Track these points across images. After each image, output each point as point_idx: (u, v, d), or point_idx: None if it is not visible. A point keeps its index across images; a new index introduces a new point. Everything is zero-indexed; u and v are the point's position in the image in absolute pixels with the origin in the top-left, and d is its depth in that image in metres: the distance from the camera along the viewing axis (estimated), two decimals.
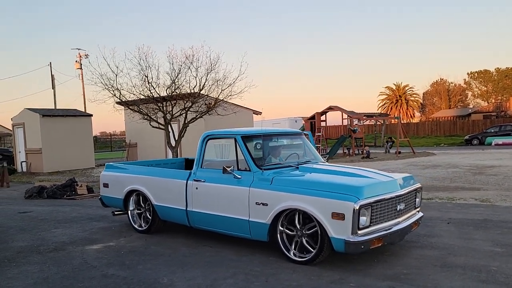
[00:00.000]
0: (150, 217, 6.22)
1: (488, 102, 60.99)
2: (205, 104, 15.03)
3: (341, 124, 23.70)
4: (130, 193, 6.45)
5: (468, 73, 66.13)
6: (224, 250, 5.20)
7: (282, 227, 4.79)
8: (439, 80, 66.36)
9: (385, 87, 63.23)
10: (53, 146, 18.41)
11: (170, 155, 21.15)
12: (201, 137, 5.75)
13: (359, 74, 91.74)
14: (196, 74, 14.41)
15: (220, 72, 15.55)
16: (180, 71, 14.52)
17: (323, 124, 22.96)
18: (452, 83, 66.41)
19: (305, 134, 6.33)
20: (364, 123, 27.23)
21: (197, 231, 6.00)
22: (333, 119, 27.29)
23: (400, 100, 60.82)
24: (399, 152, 20.37)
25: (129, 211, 6.52)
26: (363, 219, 4.24)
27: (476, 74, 65.34)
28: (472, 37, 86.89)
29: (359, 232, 4.22)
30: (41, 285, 4.25)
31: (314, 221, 4.47)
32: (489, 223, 5.99)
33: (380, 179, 4.74)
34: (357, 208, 4.15)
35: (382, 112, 55.64)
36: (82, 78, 38.25)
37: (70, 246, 5.73)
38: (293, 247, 4.72)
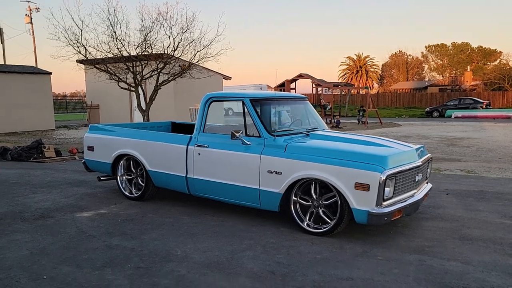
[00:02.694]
0: (143, 184, 5.81)
1: (443, 76, 63.09)
2: (179, 65, 14.34)
3: (310, 92, 23.61)
4: (119, 157, 5.98)
5: (425, 46, 67.81)
6: (229, 220, 4.94)
7: (296, 197, 4.56)
8: (398, 52, 67.66)
9: (346, 57, 63.87)
10: (8, 105, 17.10)
11: (137, 119, 20.37)
12: (203, 99, 5.33)
13: (323, 44, 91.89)
14: (170, 33, 13.64)
15: (195, 32, 14.79)
16: (152, 28, 13.68)
17: (292, 92, 22.75)
18: (410, 55, 67.96)
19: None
20: (333, 93, 27.30)
21: (194, 198, 5.69)
22: (303, 87, 27.19)
23: (360, 71, 61.71)
24: (366, 123, 20.65)
25: (118, 177, 6.07)
26: (388, 190, 4.09)
27: (433, 47, 67.05)
28: (432, 10, 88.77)
29: (383, 203, 4.08)
30: (40, 256, 3.82)
31: (333, 191, 4.27)
32: (487, 195, 6.07)
33: (400, 149, 4.58)
34: (384, 178, 3.98)
35: (341, 81, 56.23)
36: (33, 34, 35.70)
37: (58, 213, 5.25)
38: (307, 218, 4.52)
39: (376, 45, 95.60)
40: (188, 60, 14.28)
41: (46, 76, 18.98)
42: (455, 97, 35.87)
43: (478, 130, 17.65)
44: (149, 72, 14.18)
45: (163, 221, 4.95)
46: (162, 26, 13.55)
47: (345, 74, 62.49)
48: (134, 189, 5.97)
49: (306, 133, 5.08)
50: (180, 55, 14.03)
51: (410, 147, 4.77)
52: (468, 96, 34.88)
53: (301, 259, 3.75)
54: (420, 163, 4.61)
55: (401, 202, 4.31)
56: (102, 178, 6.35)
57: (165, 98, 18.09)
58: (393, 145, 4.72)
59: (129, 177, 6.02)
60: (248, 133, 4.90)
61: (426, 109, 30.75)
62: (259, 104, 5.01)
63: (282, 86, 22.42)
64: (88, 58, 14.02)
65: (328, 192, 4.37)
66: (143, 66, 13.94)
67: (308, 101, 5.87)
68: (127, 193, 5.99)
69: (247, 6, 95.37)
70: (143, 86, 14.11)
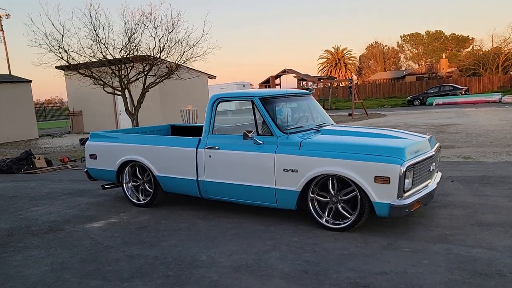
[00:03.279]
0: (151, 190, 5.71)
1: (419, 65, 64.06)
2: (166, 66, 14.16)
3: (296, 87, 23.63)
4: (124, 164, 5.86)
5: (400, 36, 68.70)
6: (245, 221, 4.89)
7: (313, 194, 4.54)
8: (374, 43, 68.38)
9: (325, 51, 64.27)
10: None
11: (122, 124, 20.06)
12: (210, 100, 5.26)
13: (301, 39, 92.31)
14: (155, 34, 13.46)
15: (181, 33, 14.59)
16: (135, 30, 13.47)
17: (278, 88, 22.75)
18: (386, 46, 68.76)
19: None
20: (318, 87, 27.46)
21: (205, 201, 5.62)
22: (287, 83, 27.19)
23: (339, 64, 62.20)
24: (352, 115, 20.81)
25: (124, 184, 5.94)
26: (407, 182, 4.11)
27: (408, 37, 67.97)
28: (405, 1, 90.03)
29: (404, 195, 4.10)
30: (61, 272, 3.71)
31: (352, 186, 4.27)
32: (490, 179, 6.18)
33: (414, 139, 4.61)
34: (404, 170, 4.00)
35: (321, 75, 56.61)
36: (5, 41, 34.77)
37: (67, 225, 5.11)
38: (326, 214, 4.51)
39: (353, 37, 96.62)
40: (175, 61, 14.12)
41: (26, 85, 18.50)
42: (433, 85, 36.51)
43: (461, 116, 17.99)
44: (135, 75, 13.98)
45: (178, 226, 4.87)
46: (146, 27, 13.38)
47: (324, 67, 62.89)
48: (142, 196, 5.86)
49: (317, 129, 5.07)
50: (167, 56, 13.87)
51: (422, 137, 4.80)
52: (446, 83, 35.54)
53: (329, 256, 3.74)
54: (434, 153, 4.65)
55: (419, 193, 4.34)
56: (106, 186, 6.21)
57: (151, 101, 17.85)
58: (406, 136, 4.74)
59: (136, 184, 5.91)
60: (259, 132, 4.86)
61: (408, 98, 31.22)
62: (268, 102, 4.97)
63: (267, 83, 22.39)
64: (71, 63, 13.73)
65: (347, 187, 4.37)
66: (129, 69, 13.72)
67: (312, 97, 5.86)
68: (134, 200, 5.87)
69: (226, 3, 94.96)
70: (129, 90, 13.88)
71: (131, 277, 3.53)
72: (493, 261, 3.45)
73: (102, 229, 4.93)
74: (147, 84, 13.98)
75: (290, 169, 4.56)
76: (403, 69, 64.12)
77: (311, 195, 4.55)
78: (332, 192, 4.44)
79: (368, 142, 4.43)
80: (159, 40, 13.47)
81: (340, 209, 4.41)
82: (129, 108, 13.83)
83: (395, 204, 4.03)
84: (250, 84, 36.22)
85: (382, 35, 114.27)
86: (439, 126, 14.57)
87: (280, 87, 23.61)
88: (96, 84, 14.03)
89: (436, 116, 18.97)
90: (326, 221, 4.50)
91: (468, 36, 62.33)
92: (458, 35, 63.71)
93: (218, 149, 5.04)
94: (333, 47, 63.05)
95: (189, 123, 12.90)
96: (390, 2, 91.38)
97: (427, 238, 4.05)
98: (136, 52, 13.60)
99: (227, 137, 5.13)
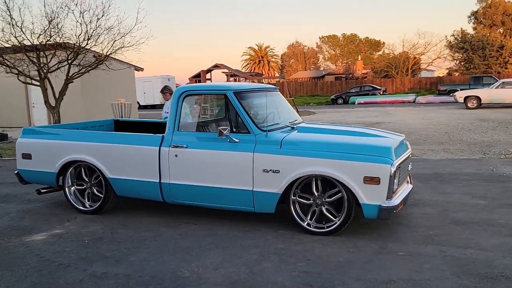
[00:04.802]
0: (100, 194, 4.99)
1: (336, 65, 67.07)
2: (94, 56, 12.95)
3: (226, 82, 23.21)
4: (67, 165, 5.06)
5: (319, 37, 71.46)
6: (217, 227, 4.43)
7: (295, 196, 4.23)
8: (295, 43, 70.27)
9: (248, 48, 64.58)
10: None
11: (37, 118, 18.13)
12: (175, 94, 4.71)
13: (224, 35, 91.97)
14: (82, 20, 12.21)
15: (111, 19, 13.47)
16: (58, 14, 12.13)
17: (208, 82, 22.18)
18: (306, 46, 71.02)
19: None
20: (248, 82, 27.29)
21: (163, 206, 5.04)
22: (215, 78, 26.63)
23: (262, 61, 62.86)
24: None
25: (66, 188, 5.14)
26: (395, 182, 3.96)
27: (326, 38, 70.88)
28: (324, 2, 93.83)
29: (393, 196, 3.95)
30: None
31: (338, 187, 4.03)
32: (444, 177, 6.35)
33: (396, 138, 4.49)
34: (394, 170, 3.84)
35: (246, 72, 56.80)
36: None
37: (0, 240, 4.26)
38: (308, 217, 4.22)
39: (275, 36, 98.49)
40: (102, 51, 12.96)
41: None
42: (351, 85, 38.32)
43: (386, 115, 18.90)
44: (56, 64, 12.60)
45: (141, 236, 4.28)
46: (71, 11, 12.09)
47: (248, 64, 63.15)
48: (89, 201, 5.11)
49: (291, 126, 4.76)
50: (94, 45, 12.68)
51: (400, 135, 4.72)
52: (362, 83, 37.48)
53: (326, 265, 3.45)
54: (410, 152, 4.59)
55: (402, 193, 4.23)
56: (42, 190, 5.34)
57: (71, 94, 16.20)
58: (385, 135, 4.62)
59: (81, 188, 5.14)
60: (233, 130, 4.43)
61: (332, 97, 32.34)
62: (243, 97, 4.56)
63: (197, 77, 21.72)
64: None
65: (331, 188, 4.11)
66: (50, 57, 12.32)
67: (279, 92, 5.54)
68: (80, 207, 5.10)
69: None
70: (48, 80, 12.47)
71: None
72: (491, 262, 3.39)
73: (47, 242, 4.17)
74: (70, 74, 12.67)
75: (270, 170, 4.20)
76: (321, 69, 66.65)
77: (292, 197, 4.23)
78: (316, 194, 4.16)
79: (354, 141, 4.22)
80: (86, 26, 12.26)
81: (325, 211, 4.15)
82: (49, 101, 12.44)
83: (384, 205, 3.86)
84: (177, 84, 35.12)
85: (302, 35, 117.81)
86: (370, 124, 15.09)
87: (211, 82, 23.05)
88: (8, 72, 12.42)
89: (363, 114, 19.76)
90: (308, 224, 4.21)
91: (380, 40, 66.56)
92: (371, 39, 67.81)
93: (186, 147, 4.51)
94: (256, 45, 63.62)
95: (121, 117, 11.94)
96: (311, 2, 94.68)
97: (414, 240, 3.94)
98: (59, 38, 12.25)
99: (196, 135, 4.63)
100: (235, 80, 22.21)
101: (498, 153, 8.01)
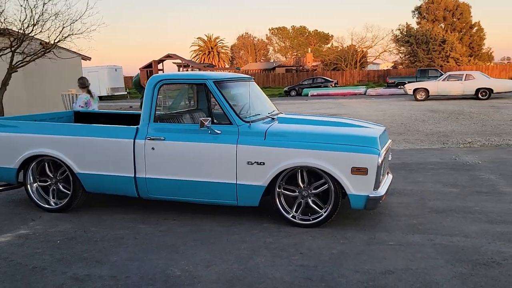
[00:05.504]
0: (67, 191, 4.64)
1: (286, 57, 67.68)
2: (41, 43, 12.10)
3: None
4: (29, 160, 4.65)
5: (269, 29, 71.69)
6: (197, 222, 4.26)
7: (280, 188, 4.14)
8: (245, 34, 70.07)
9: (197, 38, 63.55)
10: None
11: None
12: (149, 83, 4.43)
13: (172, 25, 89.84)
14: (26, 4, 11.37)
15: (59, 4, 12.56)
16: None
17: (161, 73, 21.53)
18: (256, 37, 71.00)
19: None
20: None
21: (135, 202, 4.78)
22: (166, 68, 25.88)
23: (212, 52, 62.11)
24: None
25: (28, 185, 4.73)
26: (381, 173, 3.97)
27: (276, 30, 71.25)
28: None
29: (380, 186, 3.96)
30: None
31: (324, 179, 3.98)
32: (412, 166, 6.51)
33: (379, 128, 4.51)
34: (381, 160, 3.85)
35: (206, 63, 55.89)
36: None
37: None
38: (294, 210, 4.14)
39: (224, 26, 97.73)
40: (48, 38, 12.14)
41: None
42: (302, 77, 38.84)
43: (340, 107, 19.29)
44: None
45: (118, 234, 4.01)
46: None
47: (197, 55, 62.16)
48: (53, 199, 4.74)
49: (272, 117, 4.64)
50: (40, 31, 11.87)
51: (380, 125, 4.74)
52: (313, 76, 38.07)
53: (320, 257, 3.39)
54: (391, 142, 4.63)
55: (385, 184, 4.26)
56: (0, 188, 4.89)
57: (12, 85, 15.19)
58: (367, 125, 4.63)
59: (44, 184, 4.75)
60: (214, 121, 4.25)
61: (285, 89, 32.52)
62: (224, 87, 4.38)
63: (149, 67, 21.00)
64: None
65: (317, 180, 4.06)
66: None
67: (255, 82, 5.40)
68: (45, 205, 4.71)
69: None
70: None
71: None
72: (478, 249, 3.47)
73: (14, 244, 3.81)
74: (13, 62, 11.78)
75: (255, 162, 4.07)
76: (272, 61, 66.97)
77: (277, 189, 4.13)
78: (302, 186, 4.09)
79: (340, 132, 4.18)
80: (31, 10, 11.44)
81: (311, 203, 4.09)
82: None
83: (372, 196, 3.86)
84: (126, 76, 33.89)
85: (252, 26, 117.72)
86: (328, 116, 15.32)
87: (163, 72, 22.39)
88: None
89: (318, 106, 20.05)
90: (293, 216, 4.14)
91: (328, 33, 67.87)
92: (320, 31, 69.00)
93: (164, 140, 4.27)
94: (206, 35, 62.74)
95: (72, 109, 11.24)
96: None
97: (400, 229, 3.97)
98: (0, 24, 11.34)
99: (174, 126, 4.40)
100: (187, 71, 21.71)
101: (457, 143, 8.36)
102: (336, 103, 21.79)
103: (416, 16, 44.41)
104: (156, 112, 4.41)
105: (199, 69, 21.42)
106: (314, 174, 4.05)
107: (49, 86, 16.32)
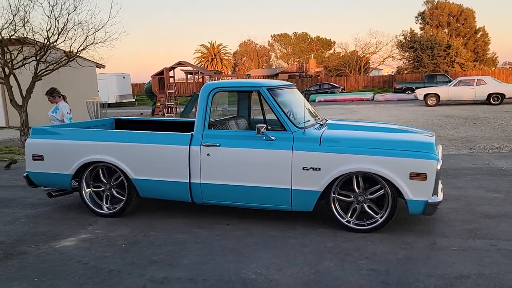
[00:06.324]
0: (121, 196, 4.73)
1: (288, 64, 67.93)
2: (64, 52, 12.22)
3: (191, 81, 22.73)
4: (84, 166, 4.74)
5: (271, 36, 72.03)
6: (250, 227, 4.33)
7: (334, 193, 4.22)
8: (247, 41, 70.39)
9: (201, 45, 63.88)
10: None
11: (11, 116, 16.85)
12: (203, 91, 4.53)
13: (177, 32, 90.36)
14: (51, 14, 11.51)
15: (83, 13, 12.69)
16: (23, 7, 11.36)
17: (171, 80, 21.66)
18: (258, 44, 71.34)
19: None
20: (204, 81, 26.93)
21: (184, 207, 4.89)
22: (178, 76, 26.05)
23: (215, 59, 62.39)
24: None
25: (83, 191, 4.81)
26: (439, 178, 4.06)
27: (278, 37, 71.60)
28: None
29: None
30: None
31: (381, 184, 4.06)
32: (448, 172, 6.54)
33: (430, 133, 4.61)
34: (440, 166, 3.94)
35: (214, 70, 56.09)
36: None
37: (26, 247, 3.94)
38: (348, 215, 4.23)
39: (226, 33, 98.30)
40: (71, 47, 12.28)
41: None
42: (306, 83, 39.05)
43: (351, 113, 19.40)
44: (21, 60, 11.78)
45: (179, 238, 4.10)
46: (40, 4, 11.37)
47: (200, 62, 62.41)
48: (107, 204, 4.82)
49: (321, 123, 4.75)
50: (64, 40, 12.00)
51: (429, 131, 4.84)
52: (317, 82, 38.26)
53: (387, 262, 3.46)
54: (441, 147, 4.72)
55: (440, 189, 4.34)
56: (54, 193, 4.98)
57: (33, 92, 15.29)
58: (419, 131, 4.73)
59: (97, 190, 4.84)
60: (268, 128, 4.34)
61: None
62: (277, 94, 4.48)
63: (160, 75, 21.13)
64: None
65: (372, 185, 4.15)
66: (16, 53, 11.50)
67: (297, 89, 5.50)
68: (99, 210, 4.80)
69: None
70: (15, 77, 11.65)
71: None
72: None
73: (82, 248, 3.89)
74: (38, 71, 11.89)
75: (311, 168, 4.16)
76: (274, 67, 67.20)
77: (332, 195, 4.22)
78: (358, 191, 4.18)
79: (396, 138, 4.28)
80: (56, 20, 11.57)
81: (367, 208, 4.17)
82: (15, 99, 11.62)
83: (430, 201, 3.93)
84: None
85: (255, 33, 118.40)
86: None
87: (174, 80, 22.54)
88: None
89: (329, 112, 20.12)
90: (348, 221, 4.22)
91: (330, 39, 68.22)
92: (322, 38, 69.32)
93: (219, 146, 4.37)
94: (209, 42, 63.05)
95: (97, 118, 11.38)
96: (262, 1, 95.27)
97: (458, 235, 4.02)
98: (26, 33, 11.47)
99: (229, 133, 4.50)
100: (200, 79, 21.85)
101: (484, 148, 8.44)
102: (346, 108, 21.88)
103: (420, 21, 44.68)
104: (210, 119, 4.51)
105: (210, 76, 21.54)
106: (369, 180, 4.14)
107: (66, 94, 16.41)
